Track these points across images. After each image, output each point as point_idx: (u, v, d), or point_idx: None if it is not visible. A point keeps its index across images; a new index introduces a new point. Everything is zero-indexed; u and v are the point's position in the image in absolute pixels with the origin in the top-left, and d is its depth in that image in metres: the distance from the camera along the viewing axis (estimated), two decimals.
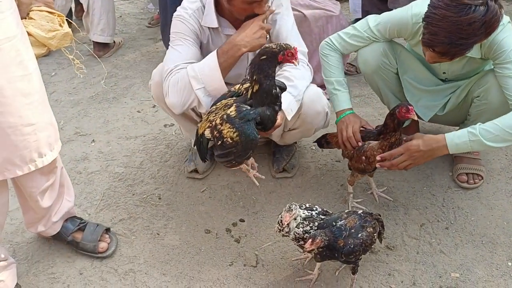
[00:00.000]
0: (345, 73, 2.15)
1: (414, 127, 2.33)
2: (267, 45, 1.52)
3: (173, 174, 2.37)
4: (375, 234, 1.66)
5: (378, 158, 1.84)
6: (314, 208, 1.70)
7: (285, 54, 1.49)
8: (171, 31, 1.93)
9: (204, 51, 1.99)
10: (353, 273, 1.69)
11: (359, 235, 1.59)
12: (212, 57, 1.78)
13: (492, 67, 1.89)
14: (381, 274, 1.80)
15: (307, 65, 1.94)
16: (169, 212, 2.15)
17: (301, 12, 2.75)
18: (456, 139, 1.77)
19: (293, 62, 1.51)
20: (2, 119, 1.44)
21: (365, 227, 1.62)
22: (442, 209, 2.07)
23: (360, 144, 1.93)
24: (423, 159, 1.83)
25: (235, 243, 1.97)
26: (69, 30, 1.72)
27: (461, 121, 2.15)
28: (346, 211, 1.71)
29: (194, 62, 1.83)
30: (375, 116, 2.66)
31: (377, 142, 1.87)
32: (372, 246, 1.69)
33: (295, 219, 1.63)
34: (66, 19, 1.75)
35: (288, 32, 1.95)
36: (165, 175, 2.36)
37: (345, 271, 1.80)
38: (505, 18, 1.76)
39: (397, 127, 1.82)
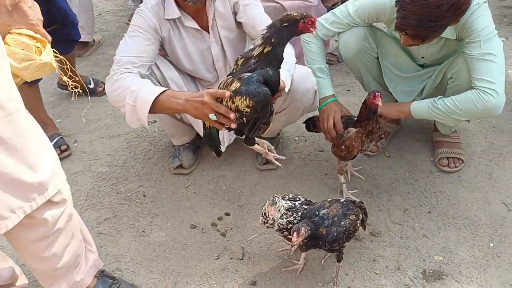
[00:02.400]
0: (327, 63, 2.16)
1: None
2: (288, 13, 1.48)
3: (157, 171, 2.36)
4: (358, 222, 1.68)
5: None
6: (297, 199, 1.71)
7: (306, 22, 1.45)
8: (130, 23, 1.98)
9: (166, 45, 2.04)
10: (338, 261, 1.71)
11: (342, 223, 1.60)
12: (159, 91, 1.72)
13: None
14: (366, 260, 1.83)
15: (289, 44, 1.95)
16: (154, 209, 2.14)
17: (280, 3, 2.74)
18: (418, 103, 1.94)
19: (311, 31, 1.47)
20: None
21: (347, 215, 1.63)
22: (424, 194, 2.10)
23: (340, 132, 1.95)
24: (392, 108, 2.00)
25: (221, 237, 1.98)
26: (49, 60, 1.34)
27: None
28: (328, 199, 1.72)
29: (142, 57, 1.87)
30: (356, 105, 2.67)
31: (355, 130, 1.88)
32: (356, 234, 1.71)
33: (278, 210, 1.64)
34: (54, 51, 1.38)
35: (263, 19, 1.97)
36: (149, 172, 2.35)
37: (331, 260, 1.82)
38: None
39: (369, 114, 1.84)
